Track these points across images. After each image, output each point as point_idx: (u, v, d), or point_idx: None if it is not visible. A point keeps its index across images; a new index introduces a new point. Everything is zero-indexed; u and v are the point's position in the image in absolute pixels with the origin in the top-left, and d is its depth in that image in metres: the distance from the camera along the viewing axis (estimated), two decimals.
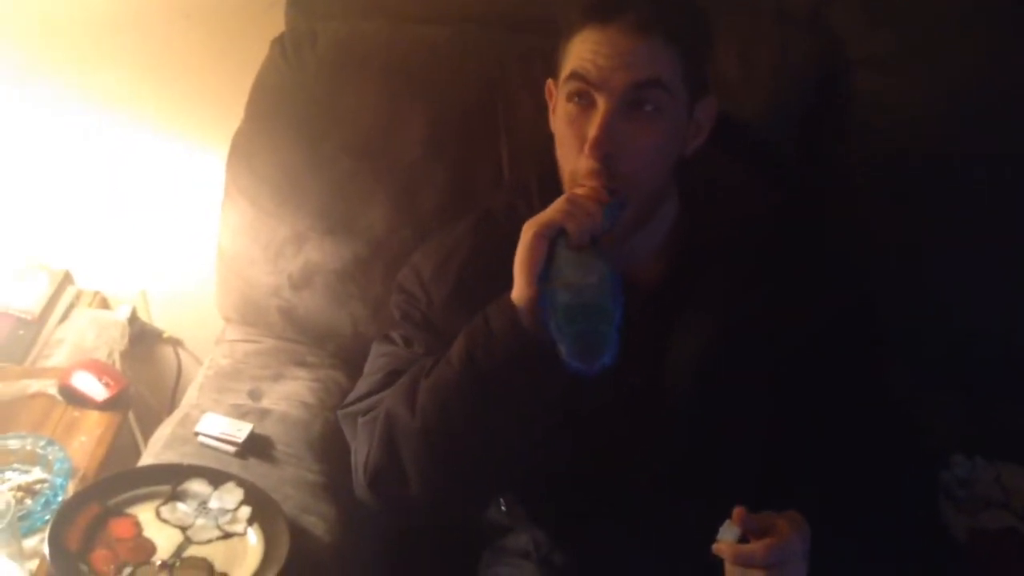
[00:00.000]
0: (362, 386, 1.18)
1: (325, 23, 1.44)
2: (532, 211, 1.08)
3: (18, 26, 1.57)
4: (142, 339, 1.79)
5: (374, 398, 1.14)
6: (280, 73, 1.42)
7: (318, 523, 1.20)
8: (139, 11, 1.55)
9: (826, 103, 1.38)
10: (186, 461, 1.22)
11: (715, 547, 0.92)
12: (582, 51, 1.02)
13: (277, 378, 1.40)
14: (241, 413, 1.31)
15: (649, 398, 1.09)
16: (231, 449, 1.25)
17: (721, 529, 0.93)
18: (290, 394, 1.37)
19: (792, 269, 1.11)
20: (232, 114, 1.44)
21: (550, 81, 1.11)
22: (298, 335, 1.47)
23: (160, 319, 1.81)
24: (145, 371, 1.80)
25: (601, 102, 1.00)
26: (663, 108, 1.02)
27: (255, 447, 1.26)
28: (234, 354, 1.44)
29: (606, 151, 1.00)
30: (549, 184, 1.10)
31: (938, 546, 1.25)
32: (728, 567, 0.93)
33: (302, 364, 1.44)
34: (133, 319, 1.76)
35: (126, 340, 1.70)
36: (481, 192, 1.37)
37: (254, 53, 1.44)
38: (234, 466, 1.23)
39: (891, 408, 1.17)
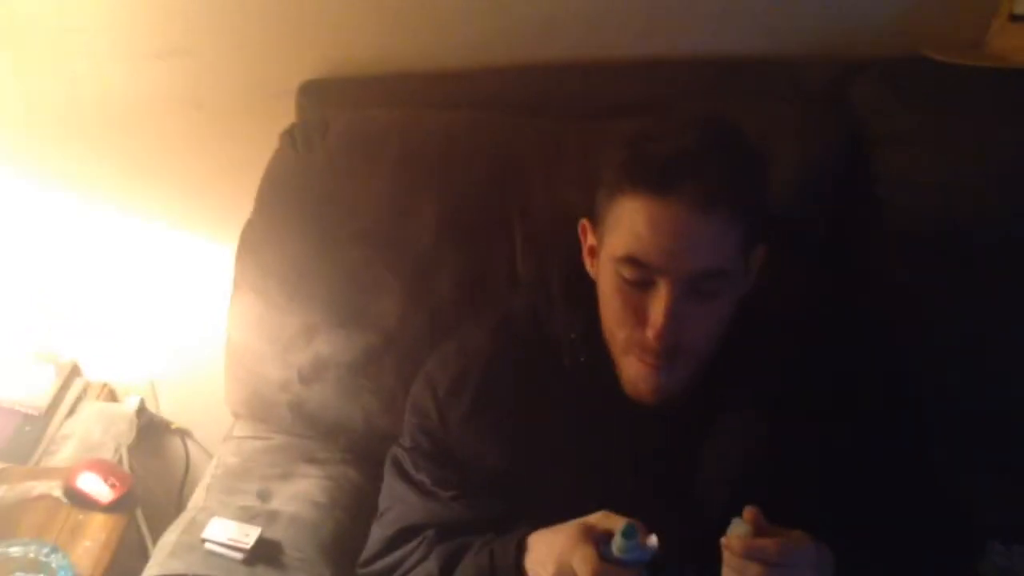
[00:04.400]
0: (375, 539, 1.17)
1: (337, 112, 1.44)
2: (555, 317, 1.08)
3: (36, 116, 1.57)
4: (150, 431, 1.76)
5: (387, 561, 1.13)
6: (290, 164, 1.40)
7: None
8: (152, 101, 1.55)
9: (851, 183, 1.36)
10: (192, 571, 1.18)
11: (724, 540, 0.91)
12: (637, 225, 0.94)
13: (286, 477, 1.36)
14: (250, 516, 1.27)
15: (682, 500, 1.05)
16: (239, 556, 1.21)
17: (732, 525, 0.92)
18: (300, 494, 1.33)
19: (830, 366, 1.06)
20: (243, 206, 1.42)
21: (585, 222, 1.07)
22: (308, 430, 1.43)
23: (168, 410, 1.78)
24: (153, 464, 1.77)
25: (663, 287, 0.95)
26: (724, 288, 0.98)
27: (264, 552, 1.22)
28: (242, 452, 1.41)
29: (672, 341, 0.96)
30: (575, 290, 1.08)
31: None
32: (728, 564, 0.91)
33: (312, 461, 1.40)
34: (141, 410, 1.73)
35: (134, 433, 1.67)
36: (494, 278, 1.35)
37: (265, 143, 1.43)
38: (242, 574, 1.18)
39: (936, 490, 1.13)
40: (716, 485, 1.05)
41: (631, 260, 0.96)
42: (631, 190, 0.95)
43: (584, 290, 1.08)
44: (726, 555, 0.91)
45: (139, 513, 1.62)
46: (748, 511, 0.91)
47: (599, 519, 0.95)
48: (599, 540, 0.94)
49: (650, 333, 0.96)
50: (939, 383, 1.32)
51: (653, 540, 0.92)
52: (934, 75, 1.35)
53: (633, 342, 1.00)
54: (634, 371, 1.02)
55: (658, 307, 0.95)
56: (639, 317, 0.98)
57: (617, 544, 0.92)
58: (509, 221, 1.36)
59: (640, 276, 0.96)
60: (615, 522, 0.93)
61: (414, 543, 1.12)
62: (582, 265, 1.09)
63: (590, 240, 1.06)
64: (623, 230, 0.96)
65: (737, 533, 0.91)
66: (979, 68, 1.33)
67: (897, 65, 1.39)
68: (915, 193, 1.34)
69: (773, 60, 1.43)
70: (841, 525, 0.96)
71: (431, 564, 1.07)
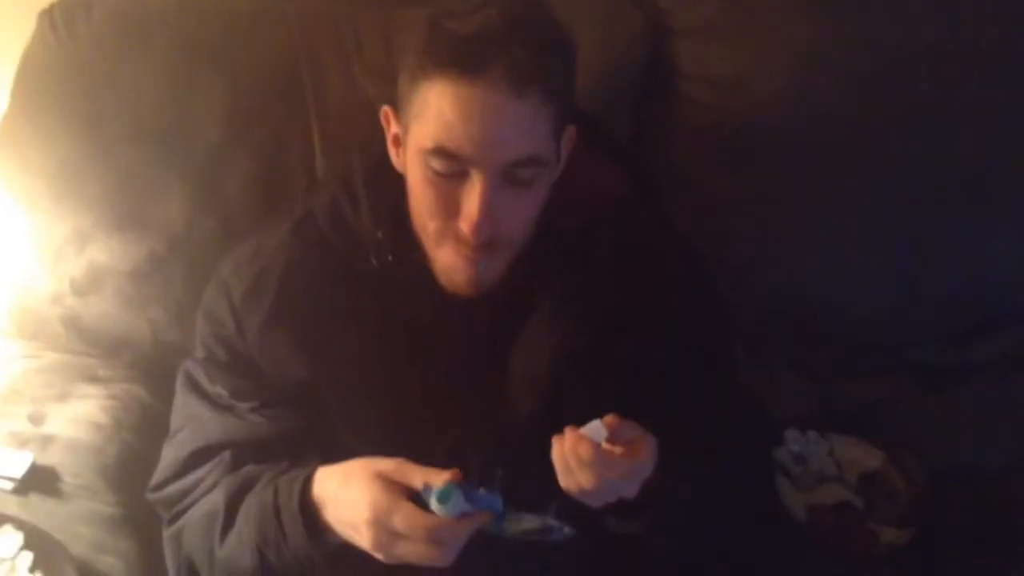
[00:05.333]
0: (166, 461, 1.10)
1: None
2: (360, 214, 1.02)
3: None
4: None
5: (179, 485, 1.07)
6: (50, 49, 1.28)
7: (116, 564, 1.10)
8: None
9: (653, 78, 1.35)
10: None
11: (575, 436, 0.87)
12: (445, 113, 0.89)
13: (63, 398, 1.26)
14: (20, 442, 1.18)
15: (492, 404, 1.02)
16: (7, 486, 1.12)
17: (589, 427, 0.88)
18: (79, 415, 1.24)
19: (637, 261, 1.05)
20: None
21: (387, 109, 1.00)
22: (87, 347, 1.34)
23: None
24: None
25: (477, 178, 0.90)
26: (540, 175, 0.94)
27: (37, 481, 1.14)
28: (10, 373, 1.29)
29: (488, 232, 0.92)
30: (380, 184, 1.02)
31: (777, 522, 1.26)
32: (561, 463, 0.88)
33: (93, 380, 1.31)
34: None
35: None
36: (292, 177, 1.29)
37: (20, 26, 1.30)
38: (11, 506, 1.10)
39: (732, 389, 1.14)
40: (525, 383, 1.02)
41: (441, 151, 0.90)
42: (436, 73, 0.89)
43: (389, 185, 1.02)
44: (565, 452, 0.88)
45: None
46: (610, 420, 0.88)
47: (394, 470, 0.91)
48: (408, 494, 0.90)
49: (464, 226, 0.92)
50: (736, 280, 1.33)
51: (497, 476, 0.88)
52: None
53: (447, 233, 0.95)
54: (449, 262, 0.98)
55: (472, 199, 0.91)
56: (452, 208, 0.93)
57: (436, 509, 0.87)
58: (304, 114, 1.29)
59: (452, 167, 0.91)
60: (412, 475, 0.90)
61: (208, 466, 1.06)
62: (386, 159, 1.03)
63: (393, 129, 1.00)
64: (430, 118, 0.91)
65: (591, 435, 0.87)
66: None
67: None
68: (714, 88, 1.35)
69: None
70: (646, 423, 0.96)
71: (217, 496, 1.02)
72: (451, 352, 1.02)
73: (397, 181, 1.01)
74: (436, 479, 0.88)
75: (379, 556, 0.90)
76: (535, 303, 1.03)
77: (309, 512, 0.94)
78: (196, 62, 1.26)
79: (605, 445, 0.87)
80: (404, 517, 0.88)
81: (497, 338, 1.03)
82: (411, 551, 0.88)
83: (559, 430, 0.92)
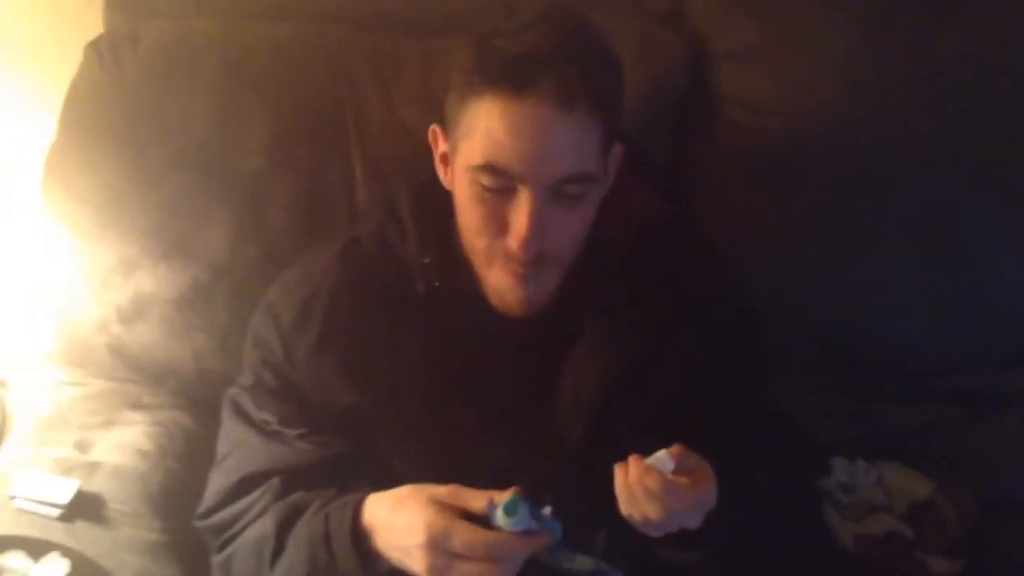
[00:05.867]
0: (213, 489, 1.10)
1: (148, 23, 1.33)
2: (406, 239, 1.02)
3: None
4: None
5: (228, 512, 1.06)
6: (97, 80, 1.30)
7: None
8: None
9: (692, 101, 1.35)
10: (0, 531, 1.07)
11: (642, 467, 0.86)
12: (494, 130, 0.89)
13: (108, 425, 1.27)
14: (66, 469, 1.18)
15: (540, 428, 1.02)
16: (54, 512, 1.11)
17: (655, 457, 0.87)
18: (124, 443, 1.24)
19: (681, 285, 1.04)
20: (45, 129, 1.31)
21: (435, 128, 1.00)
22: (132, 374, 1.34)
23: None
24: None
25: (525, 194, 0.90)
26: (588, 191, 0.94)
27: (83, 508, 1.13)
28: (57, 400, 1.30)
29: (537, 248, 0.92)
30: (425, 209, 1.02)
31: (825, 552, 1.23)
32: (625, 492, 0.87)
33: (138, 407, 1.31)
34: None
35: None
36: (334, 203, 1.29)
37: (69, 58, 1.32)
38: (58, 533, 1.09)
39: (781, 412, 1.14)
40: (573, 406, 1.02)
41: (490, 168, 0.90)
42: (485, 91, 0.89)
43: (435, 210, 1.02)
44: (630, 482, 0.87)
45: None
46: (676, 448, 0.87)
47: (449, 494, 0.90)
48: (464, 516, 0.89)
49: (513, 242, 0.92)
50: (778, 305, 1.32)
51: (547, 511, 0.87)
52: None
53: (496, 251, 0.95)
54: (500, 282, 0.97)
55: (521, 215, 0.91)
56: (500, 226, 0.93)
57: (502, 520, 0.86)
58: (346, 142, 1.29)
59: (500, 183, 0.91)
60: (468, 498, 0.89)
61: (257, 493, 1.06)
62: (430, 184, 1.03)
63: (442, 148, 1.00)
64: (479, 135, 0.91)
65: (658, 466, 0.87)
66: None
67: None
68: (754, 111, 1.34)
69: None
70: (695, 450, 0.95)
71: (267, 523, 1.01)
72: (499, 376, 1.02)
73: (443, 205, 1.01)
74: (499, 497, 0.87)
75: None
76: (582, 325, 1.02)
77: (360, 539, 0.93)
78: (240, 91, 1.27)
79: (672, 476, 0.86)
80: (463, 535, 0.86)
81: (544, 361, 1.02)
82: (468, 571, 0.87)
83: (607, 454, 0.91)
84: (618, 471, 0.88)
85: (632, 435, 0.91)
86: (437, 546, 0.87)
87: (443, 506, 0.89)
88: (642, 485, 0.85)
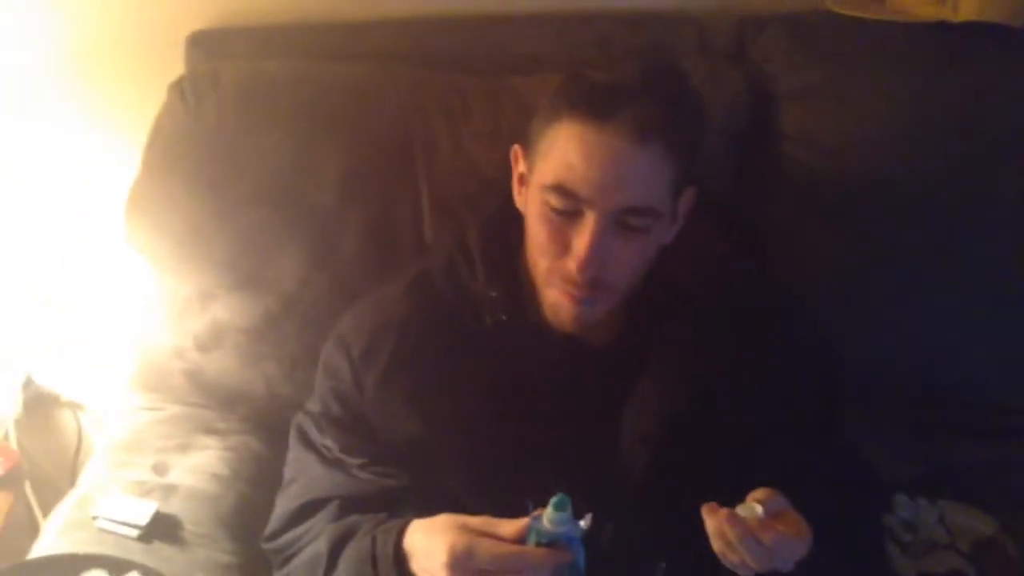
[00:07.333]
0: (279, 512, 1.13)
1: (228, 63, 1.37)
2: (474, 273, 1.05)
3: None
4: (38, 405, 1.65)
5: (290, 535, 1.10)
6: (179, 118, 1.33)
7: None
8: (29, 54, 1.43)
9: (755, 140, 1.36)
10: (82, 550, 1.11)
11: (731, 515, 0.88)
12: (569, 153, 0.93)
13: (184, 449, 1.30)
14: (145, 491, 1.22)
15: (602, 461, 1.03)
16: (133, 533, 1.15)
17: (746, 507, 0.89)
18: (199, 466, 1.28)
19: (746, 321, 1.05)
20: (129, 165, 1.34)
21: (517, 148, 1.04)
22: (206, 400, 1.38)
23: (59, 382, 1.68)
24: (44, 440, 1.67)
25: (590, 218, 0.93)
26: (652, 226, 0.96)
27: (160, 529, 1.17)
28: (135, 424, 1.34)
29: (593, 273, 0.94)
30: (493, 243, 1.06)
31: None
32: (718, 534, 0.89)
33: (211, 431, 1.34)
34: (28, 384, 1.63)
35: (20, 407, 1.58)
36: (402, 237, 1.31)
37: (152, 98, 1.35)
38: (137, 552, 1.13)
39: (847, 448, 1.14)
40: (636, 441, 1.03)
41: (560, 189, 0.94)
42: (568, 116, 0.93)
43: (502, 244, 1.06)
44: (725, 526, 0.88)
45: (29, 491, 1.54)
46: (762, 494, 0.89)
47: (480, 522, 0.92)
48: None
49: (572, 264, 0.95)
50: (840, 340, 1.33)
51: (587, 519, 0.89)
52: (836, 29, 1.36)
53: (555, 271, 0.98)
54: (555, 300, 1.00)
55: (583, 238, 0.94)
56: (563, 247, 0.96)
57: (548, 516, 0.88)
58: (414, 179, 1.32)
59: (568, 206, 0.94)
60: (498, 526, 0.91)
61: (316, 517, 1.09)
62: (499, 219, 1.07)
63: (520, 167, 1.04)
64: (555, 157, 0.94)
65: (751, 513, 0.89)
66: (881, 22, 1.33)
67: (800, 19, 1.39)
68: (818, 149, 1.34)
69: (678, 15, 1.42)
70: (760, 485, 0.96)
71: (321, 543, 1.04)
72: (562, 409, 1.04)
73: (510, 238, 1.04)
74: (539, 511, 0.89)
75: None
76: (645, 360, 1.04)
77: (401, 563, 0.96)
78: (315, 128, 1.30)
79: (767, 521, 0.88)
80: (486, 549, 0.89)
81: (608, 396, 1.03)
82: None
83: (671, 487, 0.92)
84: (708, 515, 0.89)
85: (698, 470, 0.92)
86: (459, 565, 0.89)
87: (470, 530, 0.91)
88: (741, 538, 0.87)
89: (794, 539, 0.89)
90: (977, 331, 1.37)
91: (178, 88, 1.33)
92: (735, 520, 0.88)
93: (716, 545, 0.89)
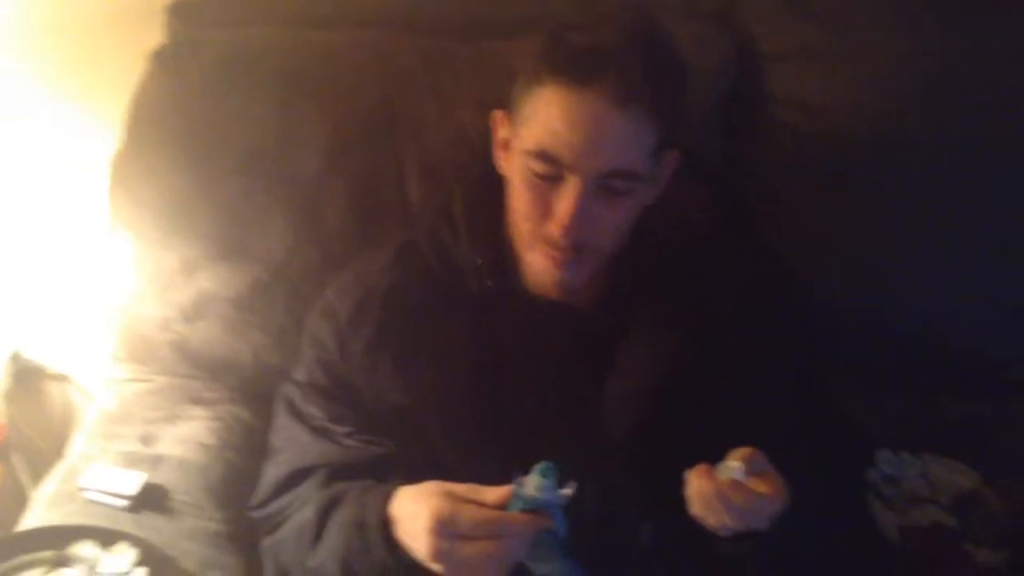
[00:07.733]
0: (266, 481, 1.14)
1: (209, 31, 1.35)
2: (459, 240, 1.05)
3: None
4: (26, 377, 1.65)
5: (278, 504, 1.10)
6: (160, 88, 1.32)
7: None
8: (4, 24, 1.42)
9: (742, 102, 1.35)
10: (71, 521, 1.12)
11: (729, 482, 0.89)
12: (551, 118, 0.93)
13: (171, 419, 1.30)
14: (132, 462, 1.21)
15: (587, 425, 1.04)
16: (122, 503, 1.15)
17: (726, 466, 0.90)
18: (187, 436, 1.28)
19: (730, 283, 1.06)
20: (110, 136, 1.33)
21: (498, 113, 1.04)
22: (193, 370, 1.37)
23: (45, 355, 1.68)
24: (33, 412, 1.67)
25: (572, 183, 0.94)
26: (635, 189, 0.97)
27: (149, 499, 1.17)
28: (122, 395, 1.34)
29: (576, 237, 0.95)
30: (478, 210, 1.06)
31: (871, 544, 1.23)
32: (698, 495, 0.90)
33: (199, 402, 1.34)
34: (15, 357, 1.62)
35: (8, 380, 1.57)
36: (388, 205, 1.30)
37: (131, 68, 1.34)
38: (126, 523, 1.13)
39: (828, 408, 1.16)
40: (622, 404, 1.04)
41: (542, 154, 0.94)
42: (549, 80, 0.93)
43: (487, 211, 1.06)
44: (704, 487, 0.89)
45: (18, 462, 1.54)
46: (744, 453, 0.90)
47: (465, 489, 0.92)
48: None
49: (555, 228, 0.95)
50: (829, 301, 1.34)
51: (570, 487, 0.89)
52: None
53: (538, 235, 0.98)
54: (538, 264, 1.01)
55: (565, 203, 0.94)
56: (545, 211, 0.96)
57: (532, 483, 0.88)
58: (401, 146, 1.31)
59: (550, 171, 0.94)
60: (483, 493, 0.91)
61: (304, 485, 1.10)
62: (483, 184, 1.07)
63: (503, 132, 1.04)
64: (538, 123, 0.94)
65: (732, 475, 0.90)
66: None
67: None
68: (807, 111, 1.34)
69: None
70: (744, 443, 0.97)
71: (309, 511, 1.05)
72: (549, 373, 1.04)
73: (495, 204, 1.04)
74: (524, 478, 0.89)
75: (438, 567, 0.91)
76: (632, 322, 1.04)
77: (388, 528, 0.96)
78: (297, 97, 1.29)
79: (745, 480, 0.89)
80: (469, 514, 0.89)
81: (594, 359, 1.04)
82: (472, 551, 0.88)
83: (657, 450, 0.93)
84: (692, 477, 0.90)
85: (683, 432, 0.92)
86: (441, 530, 0.89)
87: (455, 497, 0.91)
88: (721, 497, 0.88)
89: (768, 498, 0.90)
90: (963, 290, 1.37)
91: (158, 58, 1.32)
92: (711, 480, 0.89)
93: (695, 507, 0.90)
